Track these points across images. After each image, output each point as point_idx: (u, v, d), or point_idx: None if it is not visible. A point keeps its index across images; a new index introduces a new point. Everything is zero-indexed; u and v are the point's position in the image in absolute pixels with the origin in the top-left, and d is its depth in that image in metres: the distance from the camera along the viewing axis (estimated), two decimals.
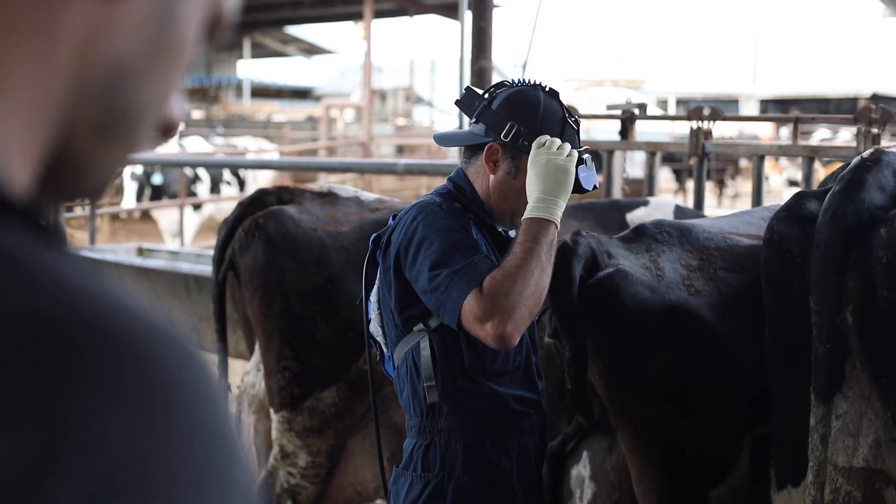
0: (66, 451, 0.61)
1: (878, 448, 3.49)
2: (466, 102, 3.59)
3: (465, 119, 3.81)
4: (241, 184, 16.14)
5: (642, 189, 7.14)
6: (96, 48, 0.73)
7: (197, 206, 16.06)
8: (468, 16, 7.49)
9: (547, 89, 3.57)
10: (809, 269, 3.50)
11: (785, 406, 3.68)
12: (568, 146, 3.42)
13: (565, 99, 3.72)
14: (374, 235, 3.63)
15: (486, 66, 7.11)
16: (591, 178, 3.52)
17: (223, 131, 29.16)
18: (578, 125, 3.58)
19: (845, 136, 27.99)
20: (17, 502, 0.59)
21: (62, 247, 0.71)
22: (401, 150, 28.74)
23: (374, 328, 3.64)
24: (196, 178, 16.00)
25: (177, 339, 0.68)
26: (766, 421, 3.85)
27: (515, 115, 3.48)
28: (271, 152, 18.55)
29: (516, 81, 3.62)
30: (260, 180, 17.54)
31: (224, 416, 0.69)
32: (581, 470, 4.30)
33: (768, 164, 29.80)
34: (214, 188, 16.65)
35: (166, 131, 0.83)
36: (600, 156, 6.92)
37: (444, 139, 3.80)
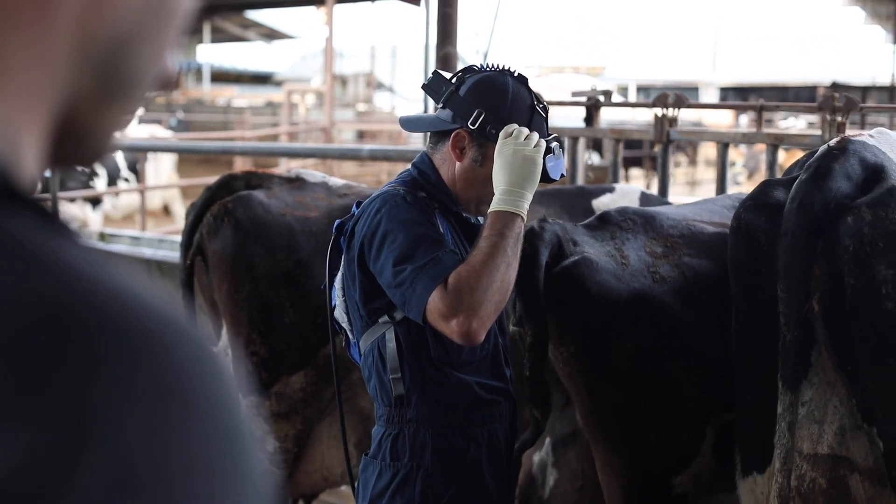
0: (87, 445, 0.61)
1: (843, 435, 3.52)
2: (433, 87, 3.55)
3: (431, 104, 3.78)
4: (139, 178, 15.57)
5: (606, 176, 7.17)
6: (95, 21, 0.74)
7: (96, 202, 15.77)
8: (433, 1, 7.47)
9: (516, 75, 3.53)
10: (776, 257, 3.53)
11: (751, 393, 3.71)
12: (536, 136, 3.39)
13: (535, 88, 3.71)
14: (337, 222, 3.59)
15: (451, 53, 7.12)
16: (558, 166, 3.49)
17: (183, 116, 28.97)
18: (547, 112, 3.55)
19: (801, 124, 28.18)
20: (39, 496, 0.59)
21: (71, 236, 0.71)
22: (362, 135, 28.67)
23: (339, 314, 3.61)
24: (93, 174, 15.62)
25: (189, 331, 0.68)
26: (729, 408, 3.88)
27: (483, 102, 3.44)
28: (168, 139, 17.97)
29: (485, 67, 3.58)
30: (161, 174, 17.28)
31: (237, 407, 0.69)
32: (544, 457, 4.32)
33: (710, 148, 29.90)
34: (112, 182, 16.36)
35: (165, 85, 0.84)
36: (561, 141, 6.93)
37: (409, 123, 3.74)
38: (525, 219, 3.34)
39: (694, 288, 3.96)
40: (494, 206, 3.32)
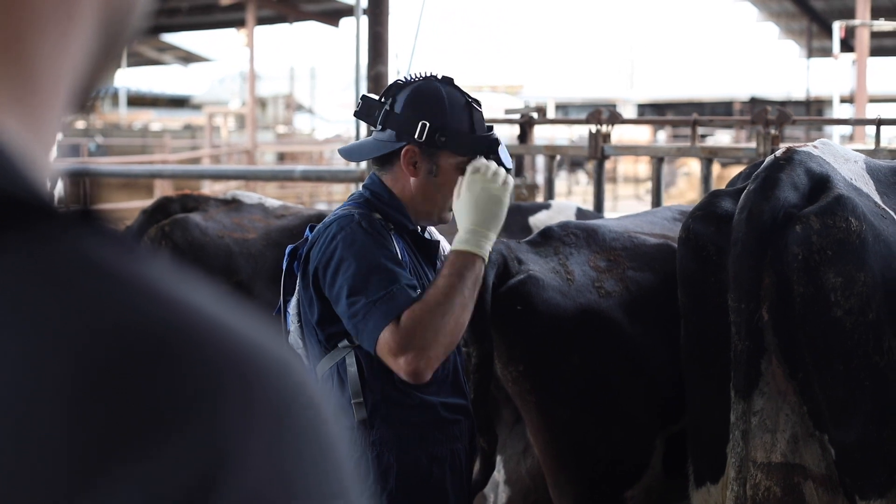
0: (219, 481, 0.60)
1: (796, 443, 3.56)
2: (365, 112, 3.50)
3: (354, 124, 3.74)
4: None
5: (535, 193, 7.20)
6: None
7: None
8: (363, 21, 7.47)
9: (441, 78, 3.52)
10: (725, 268, 3.56)
11: (702, 403, 3.73)
12: (503, 171, 3.35)
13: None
14: (290, 247, 3.53)
15: (382, 72, 7.12)
16: (507, 154, 3.49)
17: (102, 140, 28.68)
18: (480, 106, 3.53)
19: (724, 138, 28.53)
20: None
21: (139, 253, 0.68)
22: (282, 157, 28.58)
23: (294, 339, 3.56)
24: None
25: (291, 358, 0.67)
26: (677, 419, 3.90)
27: (423, 113, 3.40)
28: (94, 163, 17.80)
29: (409, 78, 3.53)
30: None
31: (337, 429, 0.68)
32: (495, 474, 4.31)
33: (629, 164, 30.17)
34: None
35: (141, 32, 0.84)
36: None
37: (353, 153, 3.68)
38: (486, 261, 3.31)
39: (639, 301, 3.97)
40: (457, 244, 3.29)
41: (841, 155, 3.77)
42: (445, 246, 3.60)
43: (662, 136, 33.37)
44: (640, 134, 32.99)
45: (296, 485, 0.63)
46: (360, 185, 7.12)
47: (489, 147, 3.43)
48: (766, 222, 3.47)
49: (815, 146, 3.75)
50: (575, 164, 29.63)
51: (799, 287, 3.44)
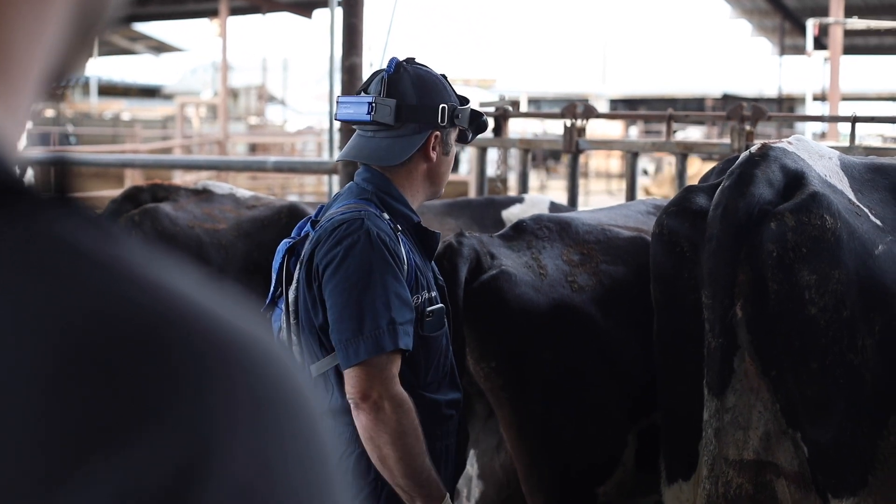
0: (203, 468, 0.58)
1: (768, 440, 3.55)
2: (382, 114, 3.41)
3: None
4: None
5: (507, 187, 7.18)
6: None
7: None
8: (338, 12, 7.43)
9: (412, 61, 3.53)
10: (699, 264, 3.55)
11: (674, 400, 3.72)
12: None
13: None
14: (287, 244, 3.49)
15: (356, 63, 7.06)
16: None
17: (73, 130, 28.53)
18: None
19: (695, 134, 28.61)
20: None
21: (121, 238, 0.66)
22: (254, 148, 28.51)
23: (286, 336, 3.51)
24: None
25: (275, 346, 0.66)
26: (649, 413, 3.89)
27: (437, 98, 3.43)
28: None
29: (386, 70, 3.47)
30: None
31: (323, 422, 0.67)
32: (468, 469, 4.29)
33: (601, 159, 30.25)
34: None
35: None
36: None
37: (381, 156, 3.49)
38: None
39: (612, 295, 3.96)
40: None
41: (816, 151, 3.77)
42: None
43: (634, 131, 33.44)
44: (613, 129, 33.04)
45: (280, 476, 0.61)
46: (334, 177, 7.08)
47: (479, 116, 3.53)
48: (740, 219, 3.46)
49: (789, 142, 3.74)
50: (543, 160, 29.71)
51: (773, 284, 3.42)
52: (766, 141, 3.78)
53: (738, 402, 3.55)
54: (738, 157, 3.70)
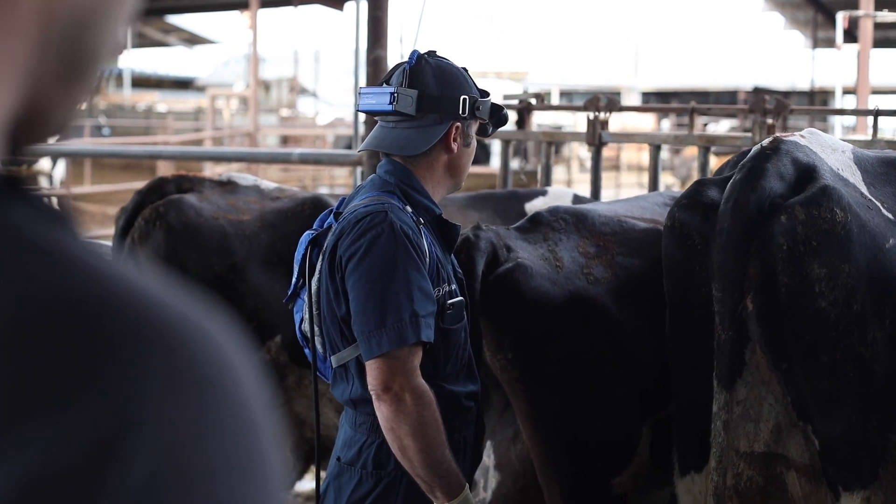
0: (125, 440, 0.60)
1: (779, 433, 3.57)
2: (404, 104, 3.43)
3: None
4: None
5: (535, 179, 7.20)
6: (58, 4, 0.73)
7: None
8: (363, 5, 7.46)
9: (435, 54, 3.56)
10: (711, 257, 3.57)
11: (686, 392, 3.74)
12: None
13: None
14: (309, 235, 3.52)
15: (381, 56, 7.09)
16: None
17: (106, 121, 28.69)
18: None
19: (723, 128, 28.48)
20: (77, 491, 0.59)
21: (70, 227, 0.70)
22: (286, 140, 28.59)
23: (307, 327, 3.53)
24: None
25: (211, 326, 0.68)
26: (664, 405, 3.91)
27: (459, 89, 3.47)
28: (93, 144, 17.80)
29: (409, 62, 3.50)
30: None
31: (262, 400, 0.69)
32: (485, 459, 4.33)
33: (632, 152, 30.13)
34: None
35: (116, 55, 0.83)
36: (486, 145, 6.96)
37: (402, 146, 3.52)
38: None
39: (628, 287, 3.99)
40: None
41: (828, 145, 3.78)
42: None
43: (666, 124, 33.31)
44: (644, 122, 32.95)
45: (207, 459, 0.63)
46: (359, 169, 7.12)
47: (499, 109, 3.56)
48: (751, 212, 3.48)
49: (802, 136, 3.75)
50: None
51: (784, 278, 3.44)
52: (779, 134, 3.80)
53: (749, 395, 3.57)
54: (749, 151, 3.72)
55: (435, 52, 3.55)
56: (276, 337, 5.11)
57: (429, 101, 3.44)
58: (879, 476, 3.47)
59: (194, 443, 0.63)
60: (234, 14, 32.53)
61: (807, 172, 3.57)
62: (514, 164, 7.55)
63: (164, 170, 17.20)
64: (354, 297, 3.26)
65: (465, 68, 3.57)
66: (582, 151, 30.97)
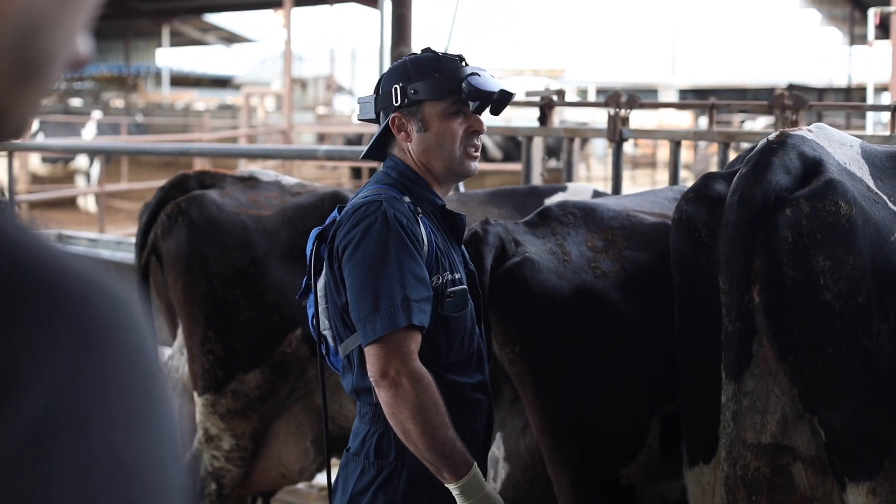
0: (13, 386, 0.65)
1: (786, 424, 3.58)
2: (365, 111, 3.64)
3: None
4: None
5: (561, 176, 7.23)
6: (8, 6, 0.77)
7: None
8: (388, 3, 7.51)
9: (427, 50, 3.60)
10: (717, 249, 3.60)
11: (694, 384, 3.77)
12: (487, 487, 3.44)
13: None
14: (317, 230, 3.59)
15: (405, 53, 7.15)
16: (488, 82, 3.52)
17: (142, 119, 28.88)
18: (462, 58, 3.57)
19: (760, 126, 28.37)
20: None
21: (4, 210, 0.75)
22: (322, 138, 28.67)
23: (322, 322, 3.59)
24: None
25: (109, 286, 0.73)
26: (673, 398, 3.94)
27: (393, 80, 3.52)
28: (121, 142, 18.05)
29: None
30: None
31: (153, 357, 0.74)
32: (495, 450, 4.36)
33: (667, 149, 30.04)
34: None
35: (76, 66, 0.86)
36: (519, 141, 7.01)
37: (368, 150, 3.74)
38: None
39: (635, 281, 4.01)
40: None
41: (836, 139, 3.80)
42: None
43: (704, 121, 33.18)
44: (682, 119, 32.84)
45: (95, 400, 0.68)
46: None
47: (458, 82, 3.48)
48: (757, 205, 3.50)
49: (809, 130, 3.77)
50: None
51: (789, 270, 3.47)
52: (786, 129, 3.82)
53: (756, 387, 3.59)
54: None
55: (429, 48, 3.60)
56: (297, 330, 5.17)
57: (378, 101, 3.58)
58: (885, 467, 3.49)
59: (90, 387, 0.68)
60: (270, 13, 32.68)
61: (813, 166, 3.59)
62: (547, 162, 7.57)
63: (202, 167, 17.28)
64: (350, 285, 3.33)
65: (457, 56, 3.57)
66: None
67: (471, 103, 3.50)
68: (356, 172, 22.04)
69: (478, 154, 3.58)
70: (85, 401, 0.68)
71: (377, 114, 3.59)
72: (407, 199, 3.46)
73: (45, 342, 0.68)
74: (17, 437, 0.65)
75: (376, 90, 3.60)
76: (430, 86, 3.47)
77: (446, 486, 3.34)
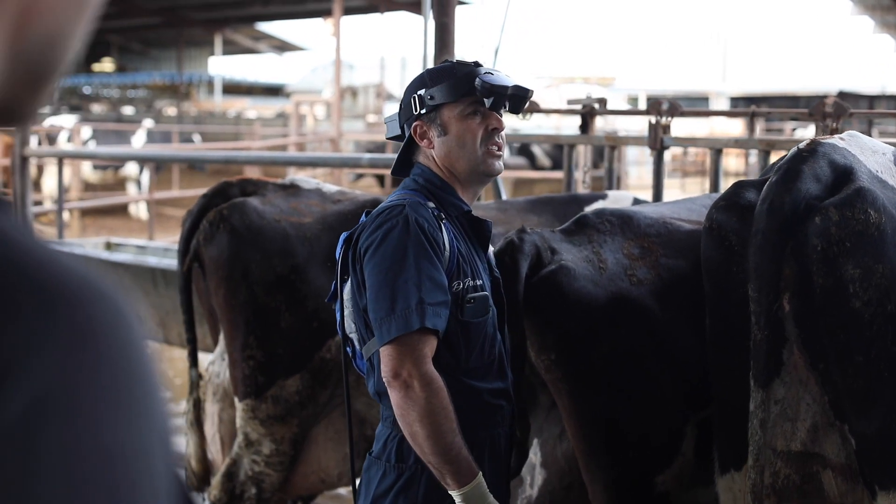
0: (6, 376, 0.69)
1: (816, 432, 3.59)
2: (392, 130, 3.74)
3: None
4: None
5: (602, 184, 7.24)
6: (30, 25, 0.82)
7: None
8: (431, 12, 7.55)
9: (445, 62, 3.69)
10: (747, 258, 3.61)
11: (725, 391, 3.78)
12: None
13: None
14: (345, 234, 3.63)
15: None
16: (502, 78, 3.55)
17: (194, 128, 29.09)
18: (477, 63, 3.60)
19: (811, 134, 28.21)
20: None
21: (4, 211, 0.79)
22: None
23: (348, 325, 3.64)
24: None
25: (102, 285, 0.77)
26: (708, 405, 3.94)
27: (411, 91, 3.61)
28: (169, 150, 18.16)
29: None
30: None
31: (143, 353, 0.77)
32: (532, 457, 4.38)
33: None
34: None
35: (72, 64, 0.91)
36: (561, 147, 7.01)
37: (395, 165, 3.81)
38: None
39: (671, 288, 4.02)
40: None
41: (869, 147, 3.79)
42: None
43: (758, 128, 32.95)
44: (733, 127, 32.66)
45: (86, 392, 0.72)
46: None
47: (472, 81, 3.52)
48: (786, 213, 3.51)
49: (841, 138, 3.77)
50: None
51: (818, 278, 3.47)
52: (818, 137, 3.82)
53: (787, 395, 3.59)
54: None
55: (447, 60, 3.70)
56: (336, 336, 5.21)
57: (401, 115, 3.68)
58: None
59: (80, 379, 0.72)
60: (321, 21, 32.85)
61: (844, 175, 3.59)
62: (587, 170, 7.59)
63: (253, 175, 17.38)
64: (369, 287, 3.39)
65: (475, 62, 3.62)
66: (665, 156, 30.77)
67: (486, 101, 3.53)
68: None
69: (501, 153, 3.61)
70: (75, 392, 0.72)
71: (402, 127, 3.66)
72: (431, 204, 3.52)
73: (38, 336, 0.71)
74: (7, 425, 0.69)
75: (400, 106, 3.68)
76: (446, 89, 3.53)
77: (449, 492, 3.36)
